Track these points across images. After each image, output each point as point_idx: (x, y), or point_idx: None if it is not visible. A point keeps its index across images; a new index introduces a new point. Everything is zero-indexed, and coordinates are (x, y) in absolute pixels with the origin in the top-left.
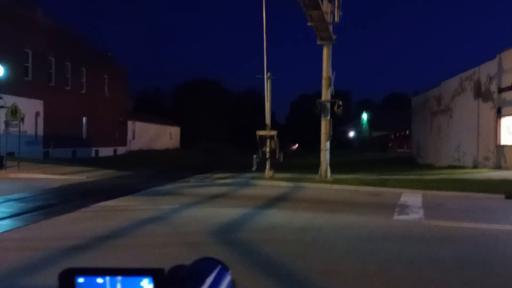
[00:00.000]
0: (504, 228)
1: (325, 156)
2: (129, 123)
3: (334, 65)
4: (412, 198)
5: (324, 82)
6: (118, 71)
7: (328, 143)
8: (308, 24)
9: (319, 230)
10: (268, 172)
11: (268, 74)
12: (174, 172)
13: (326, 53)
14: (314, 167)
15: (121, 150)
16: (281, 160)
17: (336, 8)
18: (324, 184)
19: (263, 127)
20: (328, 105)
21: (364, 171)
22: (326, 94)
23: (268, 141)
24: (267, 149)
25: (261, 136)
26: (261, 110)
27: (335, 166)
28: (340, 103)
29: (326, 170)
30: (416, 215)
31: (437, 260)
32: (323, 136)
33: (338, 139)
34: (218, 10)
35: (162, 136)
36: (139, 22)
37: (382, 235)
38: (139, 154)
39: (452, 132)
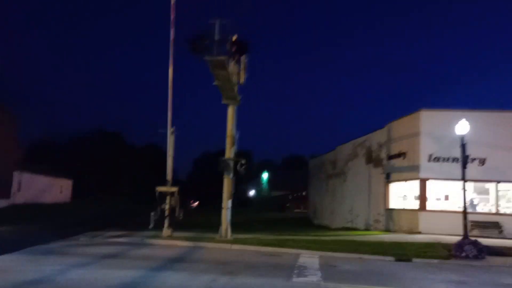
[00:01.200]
0: None
1: (226, 215)
2: (15, 173)
3: (238, 125)
4: (310, 259)
5: (228, 141)
6: (7, 118)
7: (230, 202)
8: (215, 83)
9: None
10: (166, 230)
11: (172, 129)
12: (62, 229)
13: (230, 112)
14: (215, 225)
15: (2, 203)
16: (181, 218)
17: (242, 70)
18: (224, 244)
19: (165, 182)
20: (231, 163)
21: (264, 231)
22: (229, 153)
23: (168, 197)
24: (167, 206)
25: (161, 193)
26: (164, 165)
27: (235, 225)
28: (243, 161)
29: (226, 230)
30: (314, 277)
31: None
32: (225, 195)
33: (238, 198)
34: (124, 60)
35: (52, 189)
36: (38, 70)
37: None
38: (24, 208)
39: (346, 195)
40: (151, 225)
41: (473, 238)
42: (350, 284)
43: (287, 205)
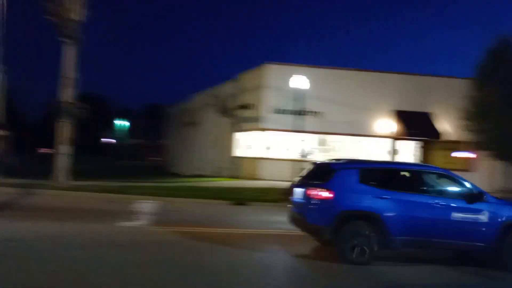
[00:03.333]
0: (226, 231)
1: (62, 160)
2: None
3: (91, 69)
4: (148, 205)
5: (64, 82)
6: None
7: (66, 147)
8: (45, 17)
9: (25, 240)
10: None
11: (2, 67)
12: None
13: (68, 51)
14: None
15: None
16: (17, 163)
17: (80, 6)
18: (61, 191)
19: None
20: (69, 107)
21: (113, 178)
22: (66, 95)
23: None
24: None
25: None
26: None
27: (85, 173)
28: (82, 105)
29: (64, 176)
30: (142, 221)
31: (143, 264)
32: (59, 140)
33: (95, 145)
34: None
35: None
36: None
37: (96, 242)
38: None
39: (198, 143)
40: None
41: None
42: (179, 227)
43: (145, 153)
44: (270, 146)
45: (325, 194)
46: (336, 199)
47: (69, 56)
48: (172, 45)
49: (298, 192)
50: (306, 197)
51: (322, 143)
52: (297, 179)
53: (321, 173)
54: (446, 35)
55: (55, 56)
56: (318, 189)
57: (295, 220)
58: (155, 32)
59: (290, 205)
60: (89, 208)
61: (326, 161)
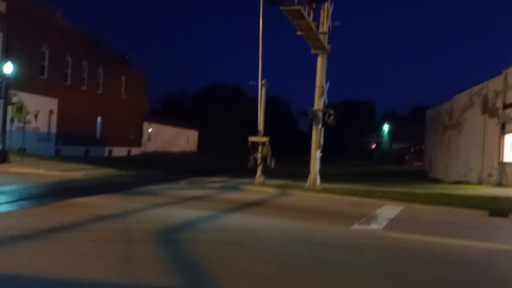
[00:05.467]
0: (467, 244)
1: (314, 164)
2: (145, 124)
3: (357, 75)
4: (390, 209)
5: (317, 91)
6: (136, 73)
7: (318, 152)
8: (298, 33)
9: (264, 234)
10: (258, 178)
11: (263, 81)
12: (175, 174)
13: (320, 62)
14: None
15: (135, 151)
16: (272, 166)
17: (325, 18)
18: (311, 193)
19: (290, 133)
20: (320, 114)
21: (365, 182)
22: (318, 103)
23: (260, 147)
24: (259, 155)
25: (253, 142)
26: (286, 116)
27: (340, 176)
28: (332, 112)
29: (315, 179)
30: (377, 226)
31: (359, 268)
32: (313, 145)
33: (360, 150)
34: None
35: (179, 139)
36: (163, 28)
37: (325, 242)
38: (152, 156)
39: (460, 147)
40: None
41: None
42: (414, 234)
43: (406, 157)
44: None
45: None
46: None
47: (320, 67)
48: (429, 46)
49: None
50: None
51: None
52: None
53: None
54: None
55: (305, 67)
56: None
57: None
58: (419, 32)
59: None
60: (333, 210)
61: None
